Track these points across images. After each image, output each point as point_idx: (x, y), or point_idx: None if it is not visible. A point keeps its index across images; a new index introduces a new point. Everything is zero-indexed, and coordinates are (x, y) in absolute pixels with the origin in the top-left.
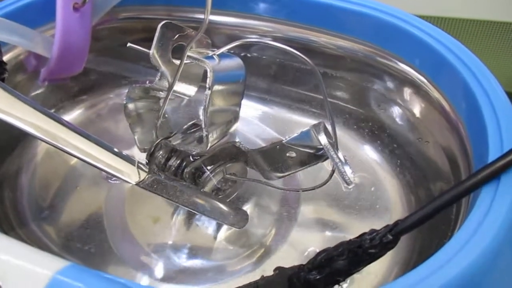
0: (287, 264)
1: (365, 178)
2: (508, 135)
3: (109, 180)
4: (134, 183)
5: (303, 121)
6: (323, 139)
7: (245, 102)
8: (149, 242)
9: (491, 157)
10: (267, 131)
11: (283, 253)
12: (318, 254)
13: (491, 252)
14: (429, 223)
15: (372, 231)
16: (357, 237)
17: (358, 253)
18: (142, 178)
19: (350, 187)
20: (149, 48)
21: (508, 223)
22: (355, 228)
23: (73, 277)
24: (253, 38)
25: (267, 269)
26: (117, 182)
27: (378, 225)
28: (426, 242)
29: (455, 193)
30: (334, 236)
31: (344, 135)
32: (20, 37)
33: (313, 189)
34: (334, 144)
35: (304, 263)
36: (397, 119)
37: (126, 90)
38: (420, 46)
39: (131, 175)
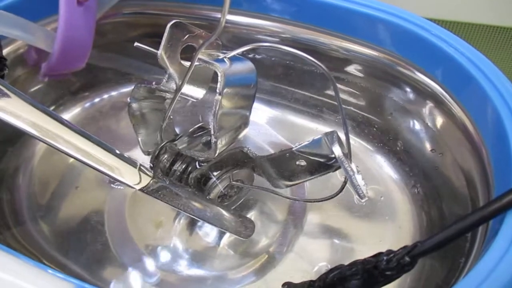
0: (292, 275)
1: (375, 189)
2: None
3: (112, 185)
4: (138, 189)
5: (312, 126)
6: (337, 150)
7: (253, 105)
8: (149, 247)
9: None
10: (276, 136)
11: (289, 263)
12: (330, 271)
13: None
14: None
15: (389, 251)
16: (372, 257)
17: (373, 274)
18: (146, 183)
19: (363, 200)
20: (155, 46)
21: None
22: (363, 238)
23: None
24: (263, 40)
25: (271, 280)
26: (120, 187)
27: (387, 236)
28: (435, 268)
29: (478, 217)
30: (341, 246)
31: (354, 143)
32: (21, 31)
33: (322, 201)
34: (348, 155)
35: (310, 274)
36: (413, 130)
37: (130, 88)
38: (443, 58)
39: (134, 179)
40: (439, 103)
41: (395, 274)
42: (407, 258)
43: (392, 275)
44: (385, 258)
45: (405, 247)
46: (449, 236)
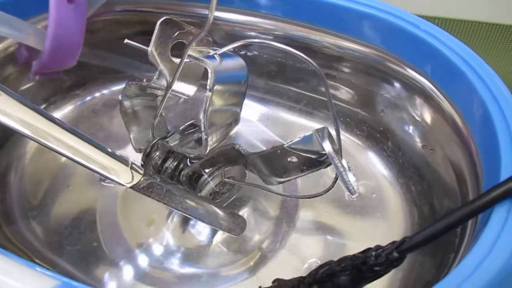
0: (284, 272)
1: (367, 185)
2: None
3: (102, 183)
4: (129, 187)
5: (304, 123)
6: (327, 146)
7: (245, 102)
8: (142, 245)
9: (503, 176)
10: (267, 133)
11: (281, 259)
12: (320, 267)
13: (506, 273)
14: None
15: (378, 247)
16: (361, 252)
17: (362, 270)
18: (137, 180)
19: (354, 196)
20: (147, 44)
21: None
22: (355, 234)
23: None
24: (255, 38)
25: (263, 277)
26: (111, 185)
27: (379, 232)
28: (426, 264)
29: (466, 211)
30: (333, 242)
31: (345, 139)
32: (11, 29)
33: (314, 197)
34: (338, 151)
35: (302, 270)
36: (403, 126)
37: (122, 85)
38: (432, 53)
39: (125, 177)
40: (429, 98)
41: (383, 270)
42: (395, 254)
43: (381, 271)
44: (373, 253)
45: (393, 242)
46: (437, 231)
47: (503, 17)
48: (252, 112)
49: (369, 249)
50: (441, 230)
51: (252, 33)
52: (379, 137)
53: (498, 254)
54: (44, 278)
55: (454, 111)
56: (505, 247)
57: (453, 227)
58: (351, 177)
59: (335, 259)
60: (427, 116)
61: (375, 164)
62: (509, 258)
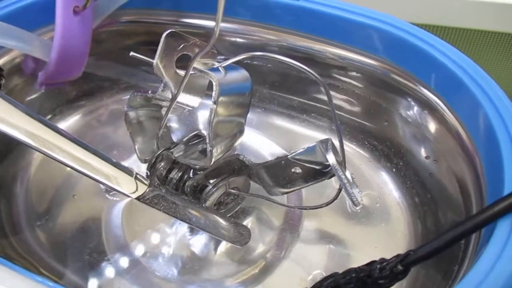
0: (288, 283)
1: (371, 196)
2: None
3: (107, 196)
4: (135, 198)
5: (308, 134)
6: (331, 158)
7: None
8: (146, 255)
9: (507, 190)
10: (271, 143)
11: (285, 270)
12: (325, 279)
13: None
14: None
15: (382, 260)
16: (366, 265)
17: (367, 282)
18: (142, 192)
19: (357, 208)
20: (152, 54)
21: None
22: (359, 245)
23: None
24: (260, 48)
25: (268, 287)
26: (117, 198)
27: (382, 243)
28: (430, 276)
29: (470, 225)
30: (337, 252)
31: (349, 150)
32: (17, 41)
33: (317, 208)
34: (342, 163)
35: (307, 282)
36: (407, 138)
37: (127, 96)
38: (435, 65)
39: (130, 187)
40: (433, 110)
41: (388, 283)
42: (400, 267)
43: (385, 284)
44: (378, 266)
45: (398, 255)
46: (441, 245)
47: (506, 25)
48: (257, 122)
49: (373, 262)
50: (445, 244)
51: (256, 44)
52: (383, 148)
53: (501, 268)
54: None
55: (458, 123)
56: (509, 261)
57: (456, 241)
58: (354, 189)
59: (340, 269)
60: (432, 127)
61: (379, 175)
62: None
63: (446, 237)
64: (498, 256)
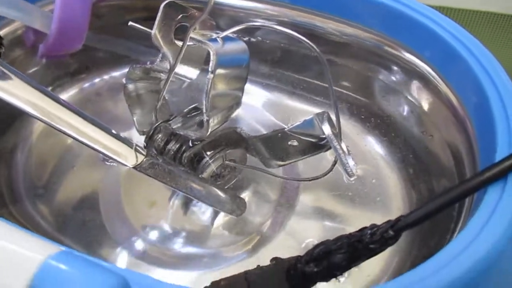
0: (283, 253)
1: (367, 170)
2: None
3: (106, 162)
4: (131, 166)
5: (305, 109)
6: (326, 129)
7: (247, 87)
8: (144, 225)
9: (499, 156)
10: (269, 117)
11: (280, 241)
12: (316, 246)
13: (495, 255)
14: (431, 219)
15: (373, 225)
16: (357, 231)
17: (357, 248)
18: (139, 161)
19: (352, 179)
20: (151, 28)
21: None
22: (354, 219)
23: (67, 263)
24: (259, 22)
25: (263, 257)
26: (114, 164)
27: (378, 217)
28: (426, 237)
29: (460, 191)
30: (332, 226)
31: (346, 125)
32: (18, 11)
33: (313, 180)
34: (338, 135)
35: (300, 251)
36: (402, 111)
37: (126, 69)
38: (430, 37)
39: (128, 157)
40: (427, 82)
41: (378, 248)
42: (390, 232)
43: (376, 249)
44: (369, 232)
45: (388, 221)
46: (432, 210)
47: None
48: (255, 97)
49: (364, 228)
50: (435, 209)
51: (257, 19)
52: (379, 123)
53: (490, 232)
54: (48, 245)
55: (452, 93)
56: (498, 225)
57: (447, 206)
58: (350, 161)
59: None
60: (426, 100)
61: (375, 149)
62: (502, 235)
63: (437, 202)
64: (487, 220)
